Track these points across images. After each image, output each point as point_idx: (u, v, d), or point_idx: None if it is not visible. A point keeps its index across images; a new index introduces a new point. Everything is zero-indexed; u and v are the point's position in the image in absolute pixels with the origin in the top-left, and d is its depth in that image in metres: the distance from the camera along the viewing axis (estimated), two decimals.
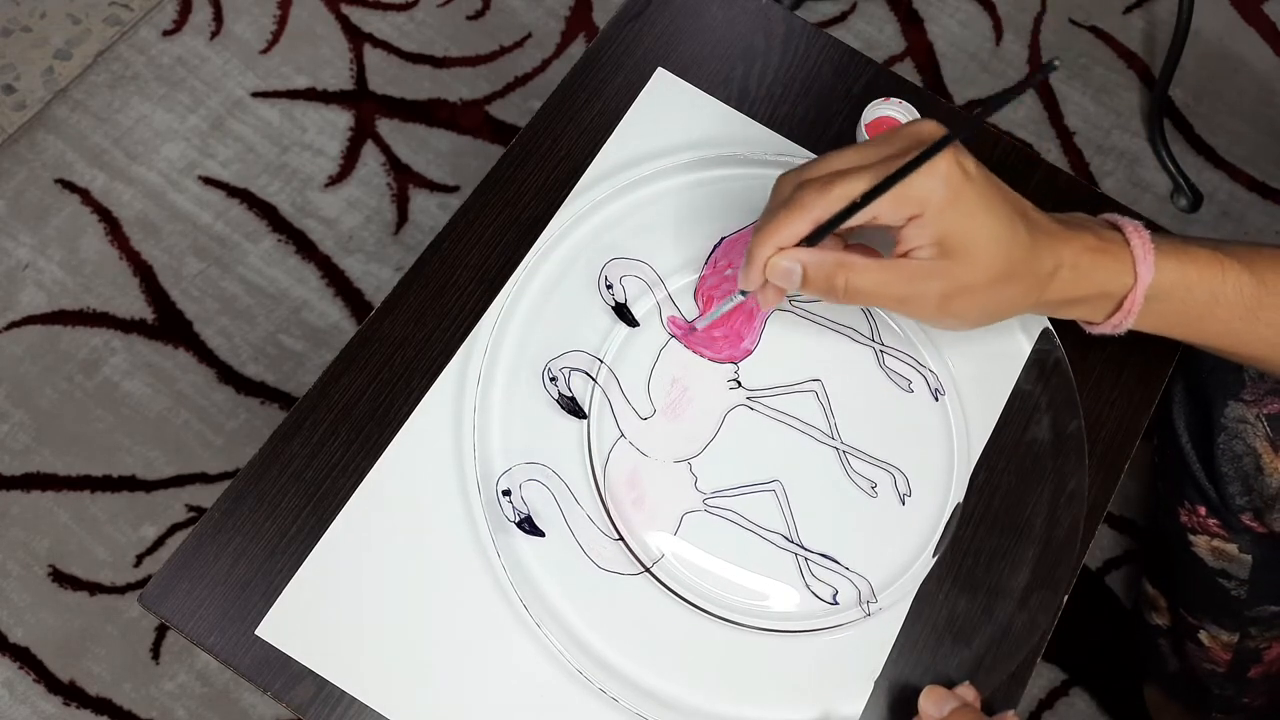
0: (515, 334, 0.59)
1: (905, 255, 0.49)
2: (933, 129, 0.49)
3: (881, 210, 0.48)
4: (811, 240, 0.49)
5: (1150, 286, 0.52)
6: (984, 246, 0.49)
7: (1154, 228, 0.55)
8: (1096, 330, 0.55)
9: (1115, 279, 0.52)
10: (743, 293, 0.54)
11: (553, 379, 0.58)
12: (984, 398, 0.60)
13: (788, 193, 0.50)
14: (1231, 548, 0.77)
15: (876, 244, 0.53)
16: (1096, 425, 0.60)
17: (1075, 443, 0.59)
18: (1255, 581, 0.78)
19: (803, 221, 0.49)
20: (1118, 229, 0.53)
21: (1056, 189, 0.66)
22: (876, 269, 0.49)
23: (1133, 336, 0.62)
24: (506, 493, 0.55)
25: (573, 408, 0.58)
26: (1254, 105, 1.40)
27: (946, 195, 0.47)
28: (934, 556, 0.57)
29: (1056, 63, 0.44)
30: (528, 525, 0.55)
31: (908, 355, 0.60)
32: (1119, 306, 0.53)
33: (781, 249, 0.50)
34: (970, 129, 0.47)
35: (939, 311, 0.50)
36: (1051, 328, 0.60)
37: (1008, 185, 0.51)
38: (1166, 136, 1.35)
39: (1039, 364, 0.60)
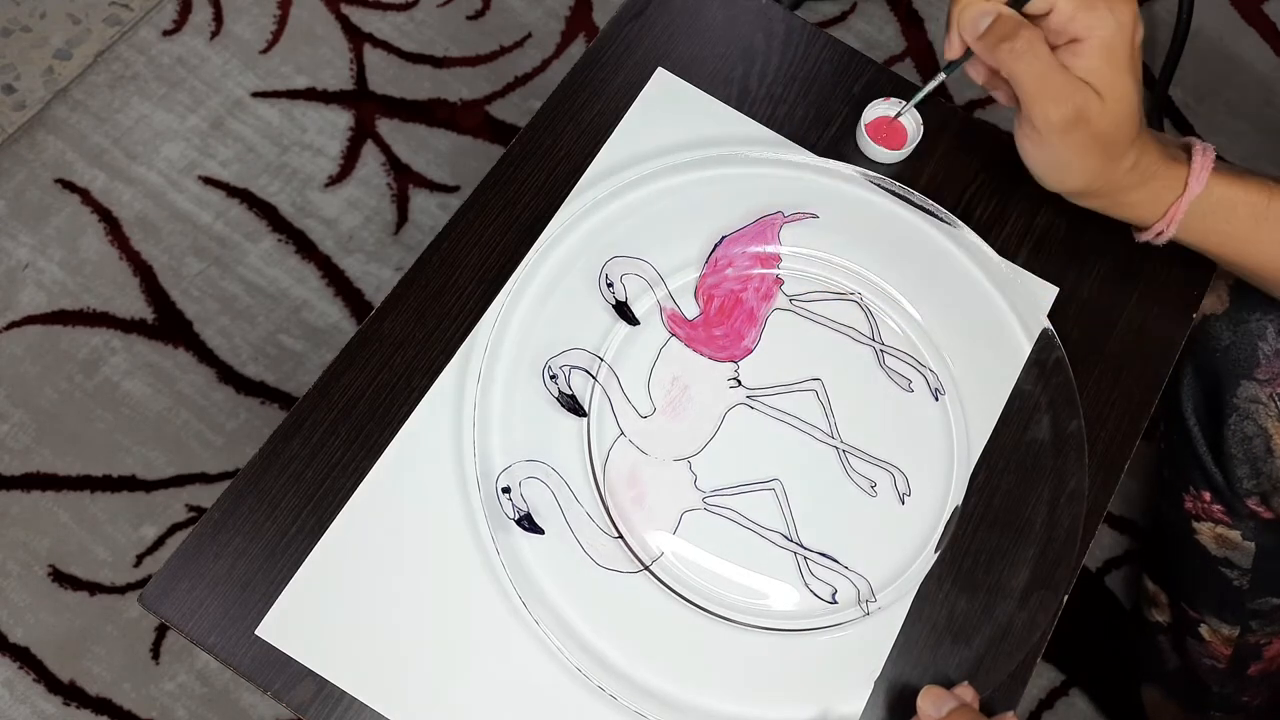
0: (515, 332, 0.59)
1: (1074, 41, 0.51)
2: None
3: (1059, 7, 0.51)
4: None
5: (1197, 199, 0.55)
6: (1119, 105, 0.51)
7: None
8: (1142, 238, 0.59)
9: (1167, 189, 0.55)
10: (946, 69, 0.59)
11: (553, 377, 0.58)
12: (984, 397, 0.60)
13: None
14: (1235, 535, 0.77)
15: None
16: (1097, 425, 0.60)
17: (1075, 442, 0.59)
18: (1258, 570, 0.78)
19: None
20: (1188, 150, 0.56)
21: None
22: (1049, 54, 0.51)
23: (1134, 335, 0.62)
24: (506, 490, 0.56)
25: (573, 406, 0.58)
26: (1254, 105, 1.40)
27: (1111, 38, 0.50)
28: (935, 552, 0.57)
29: None
30: (527, 523, 0.55)
31: (908, 355, 0.60)
32: (1166, 212, 0.56)
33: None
34: None
35: (1060, 134, 0.52)
36: (1051, 328, 0.60)
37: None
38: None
39: (1039, 364, 0.60)
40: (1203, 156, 0.56)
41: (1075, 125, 0.52)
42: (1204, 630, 0.86)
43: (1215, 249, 0.58)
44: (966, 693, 0.53)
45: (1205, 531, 0.78)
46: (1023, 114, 0.54)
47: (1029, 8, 0.52)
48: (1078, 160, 0.54)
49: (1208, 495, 0.76)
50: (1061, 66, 0.52)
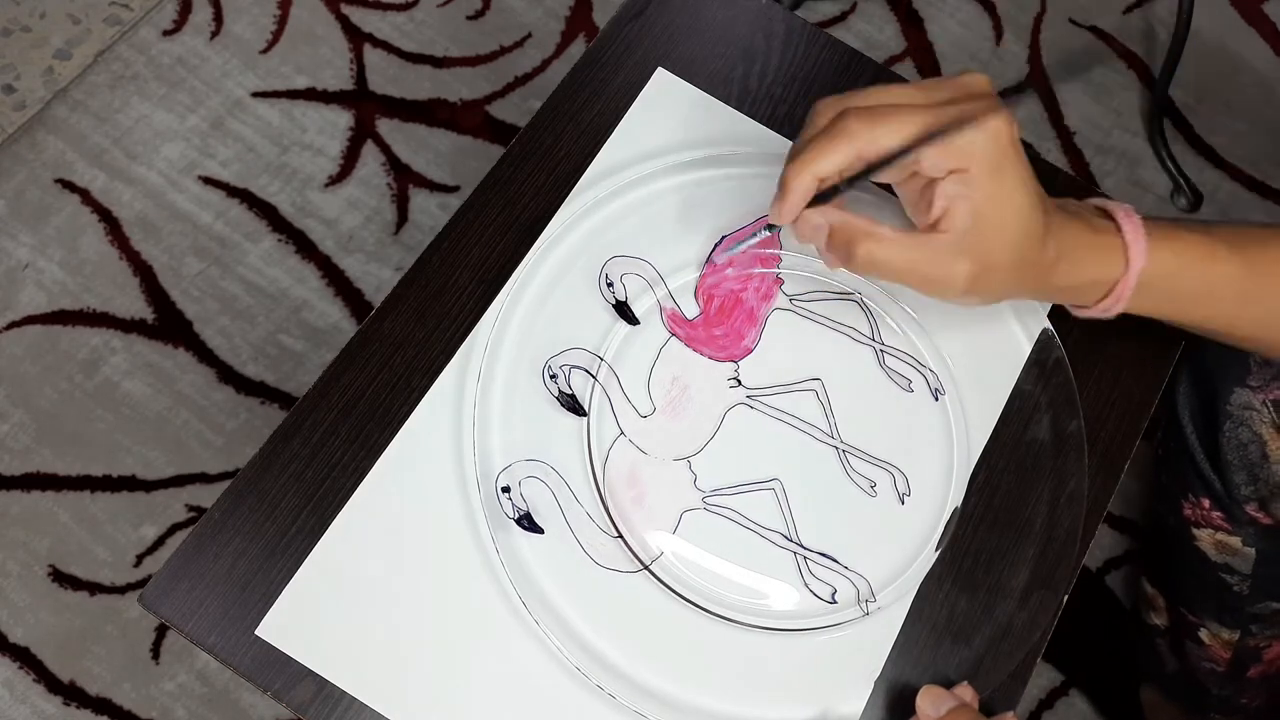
0: (515, 331, 0.59)
1: (935, 223, 0.48)
2: (984, 83, 0.47)
3: (926, 158, 0.46)
4: (851, 182, 0.47)
5: (1141, 274, 0.51)
6: (1016, 223, 0.47)
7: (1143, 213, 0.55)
8: (1085, 314, 0.55)
9: (1106, 268, 0.51)
10: (769, 227, 0.53)
11: (553, 376, 0.58)
12: (984, 397, 0.60)
13: (828, 118, 0.47)
14: (1235, 541, 0.77)
15: (872, 210, 0.53)
16: (1097, 425, 0.60)
17: (1075, 443, 0.59)
18: (1258, 576, 0.78)
19: (845, 151, 0.46)
20: (1110, 215, 0.53)
21: (1056, 189, 0.66)
22: (904, 244, 0.47)
23: (1133, 335, 0.62)
24: (506, 489, 0.56)
25: (572, 405, 0.58)
26: (1254, 105, 1.40)
27: (994, 157, 0.46)
28: (935, 552, 0.57)
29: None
30: (527, 522, 0.55)
31: (908, 355, 0.60)
32: (1109, 292, 0.53)
33: (820, 180, 0.47)
34: (1018, 103, 0.47)
35: (963, 294, 0.49)
36: (1051, 328, 0.60)
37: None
38: (1166, 136, 1.35)
39: (1039, 364, 0.60)
40: (1131, 224, 0.51)
41: (983, 276, 0.48)
42: (1204, 634, 0.86)
43: (1168, 316, 0.55)
44: (966, 692, 0.53)
45: (1205, 538, 0.78)
46: None
47: (893, 170, 0.47)
48: (1008, 287, 0.50)
49: (1207, 502, 0.76)
50: (919, 248, 0.47)
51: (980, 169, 0.46)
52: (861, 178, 0.47)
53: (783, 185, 0.48)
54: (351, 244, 1.26)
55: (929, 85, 0.48)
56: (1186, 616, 0.87)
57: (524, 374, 0.58)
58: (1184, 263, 0.52)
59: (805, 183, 0.47)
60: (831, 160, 0.46)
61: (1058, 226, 0.50)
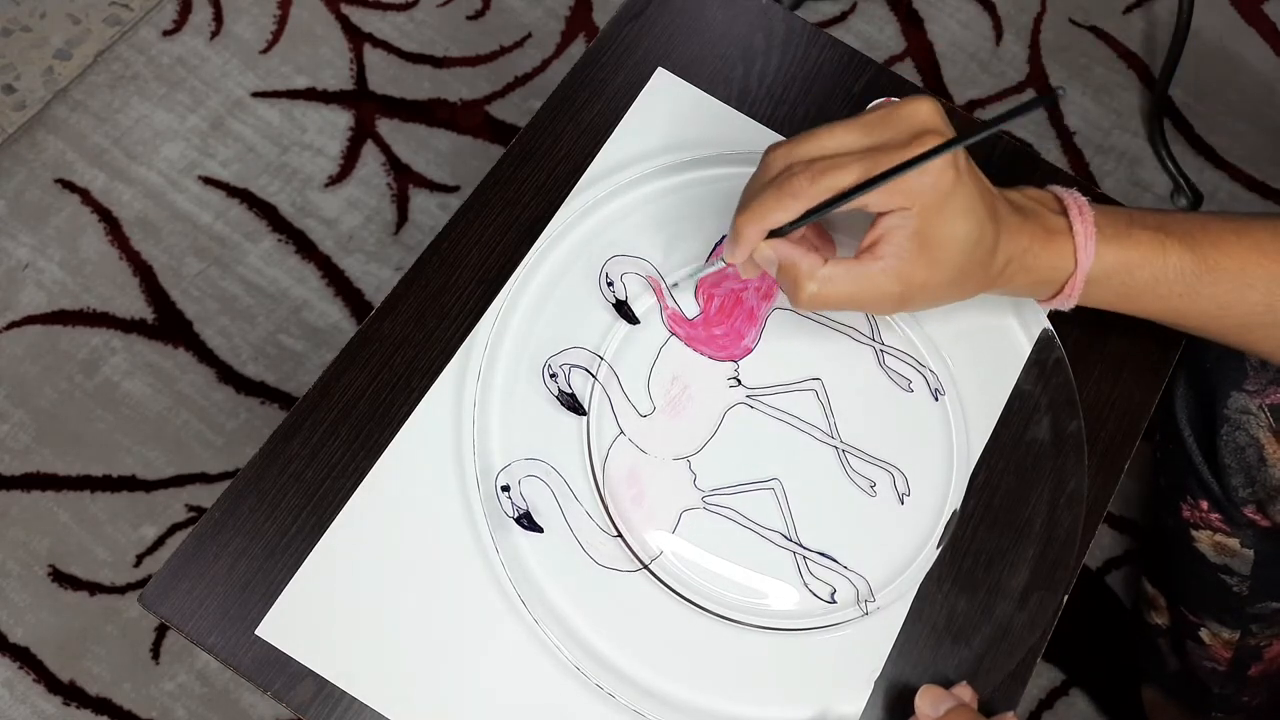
0: (516, 330, 0.59)
1: (873, 245, 0.49)
2: (928, 114, 0.48)
3: (870, 200, 0.48)
4: (796, 224, 0.49)
5: (1091, 271, 0.53)
6: (954, 250, 0.49)
7: (1103, 198, 0.56)
8: (1047, 307, 0.58)
9: (1057, 267, 0.53)
10: (724, 259, 0.54)
11: (553, 375, 0.58)
12: (984, 398, 0.60)
13: (777, 170, 0.50)
14: (1234, 542, 0.77)
15: (841, 225, 0.55)
16: (1096, 425, 0.60)
17: (1075, 443, 0.59)
18: (1257, 577, 0.78)
19: (792, 208, 0.49)
20: (1064, 211, 0.54)
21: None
22: (840, 280, 0.50)
23: (1134, 336, 0.62)
24: (505, 488, 0.56)
25: (572, 404, 0.58)
26: (1254, 105, 1.40)
27: (937, 195, 0.48)
28: (935, 553, 0.57)
29: (1061, 91, 0.44)
30: (526, 521, 0.55)
31: (908, 355, 0.60)
32: (1060, 290, 0.54)
33: (763, 234, 0.50)
34: (974, 140, 0.46)
35: (894, 309, 0.52)
36: (1051, 328, 0.60)
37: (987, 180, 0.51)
38: (1166, 136, 1.35)
39: (1039, 364, 0.60)
40: (1083, 223, 0.52)
41: (913, 295, 0.50)
42: (1204, 634, 0.86)
43: (1122, 309, 0.56)
44: (965, 692, 0.53)
45: (1204, 539, 0.78)
46: None
47: (840, 209, 0.49)
48: (941, 298, 0.52)
49: (1205, 504, 0.76)
50: (857, 275, 0.49)
51: (922, 206, 0.48)
52: (805, 221, 0.49)
53: (735, 234, 0.51)
54: (351, 244, 1.26)
55: (874, 123, 0.49)
56: (1187, 616, 0.87)
57: (524, 373, 0.58)
58: (1135, 259, 0.53)
59: (755, 233, 0.50)
60: (778, 215, 0.49)
61: (1010, 235, 0.51)
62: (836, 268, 0.50)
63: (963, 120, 0.68)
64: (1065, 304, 0.55)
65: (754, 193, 0.50)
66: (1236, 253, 0.53)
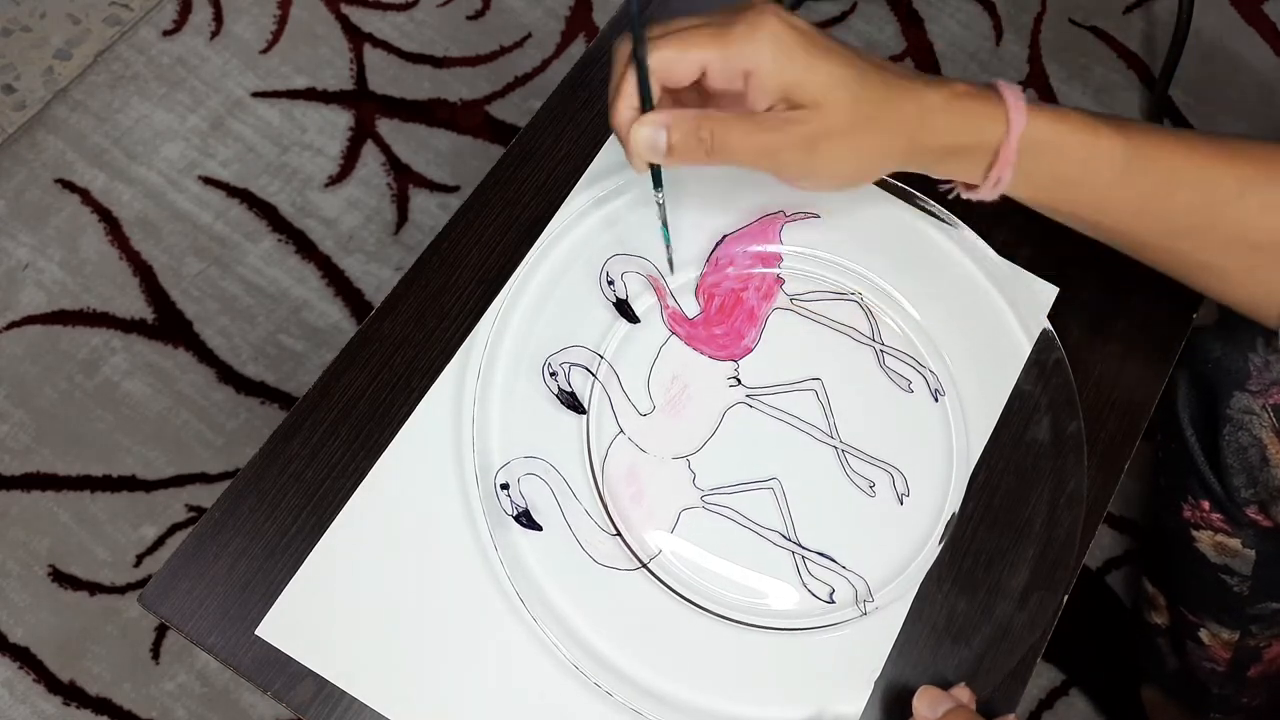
0: (516, 329, 0.59)
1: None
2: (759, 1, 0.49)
3: (710, 63, 0.48)
4: (644, 94, 0.49)
5: (1023, 138, 0.51)
6: (830, 91, 0.48)
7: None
8: (976, 194, 0.55)
9: (989, 125, 0.51)
10: (655, 188, 0.53)
11: (553, 374, 0.58)
12: (984, 398, 0.60)
13: (626, 54, 0.49)
14: (1235, 543, 0.76)
15: None
16: (1096, 426, 0.60)
17: (1075, 443, 0.59)
18: (1258, 578, 0.78)
19: (633, 73, 0.48)
20: (990, 86, 0.53)
21: None
22: (739, 119, 0.49)
23: (1134, 335, 0.62)
24: (505, 486, 0.55)
25: (572, 403, 0.58)
26: (1254, 105, 1.40)
27: (775, 50, 0.47)
28: (934, 554, 0.57)
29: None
30: (525, 519, 0.55)
31: (908, 355, 0.60)
32: (994, 160, 0.52)
33: (634, 108, 0.49)
34: None
35: (809, 160, 0.50)
36: (1051, 328, 0.60)
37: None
38: None
39: (1039, 364, 0.60)
40: (1011, 92, 0.51)
41: (820, 140, 0.49)
42: (1204, 634, 0.86)
43: (1051, 200, 0.54)
44: (963, 693, 0.53)
45: (1205, 539, 0.78)
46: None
47: (683, 71, 0.48)
48: (862, 152, 0.51)
49: (1206, 504, 0.75)
50: (754, 119, 0.49)
51: (768, 65, 0.48)
52: (644, 82, 0.48)
53: (618, 134, 0.50)
54: (351, 244, 1.26)
55: (709, 13, 0.50)
56: (1186, 616, 0.87)
57: (524, 372, 0.58)
58: (1067, 133, 0.52)
59: (627, 116, 0.49)
60: (629, 85, 0.48)
61: (911, 87, 0.50)
62: (732, 113, 0.49)
63: None
64: (997, 185, 0.53)
65: (611, 90, 0.50)
66: (1169, 146, 0.52)
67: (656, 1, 0.68)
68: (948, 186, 0.57)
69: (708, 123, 0.49)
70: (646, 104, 0.49)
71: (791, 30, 0.48)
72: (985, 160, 0.53)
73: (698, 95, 0.51)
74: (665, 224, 0.57)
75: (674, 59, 0.48)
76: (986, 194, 0.54)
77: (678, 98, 0.51)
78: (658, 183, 0.53)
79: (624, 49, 0.50)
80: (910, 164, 0.53)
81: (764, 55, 0.48)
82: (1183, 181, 0.52)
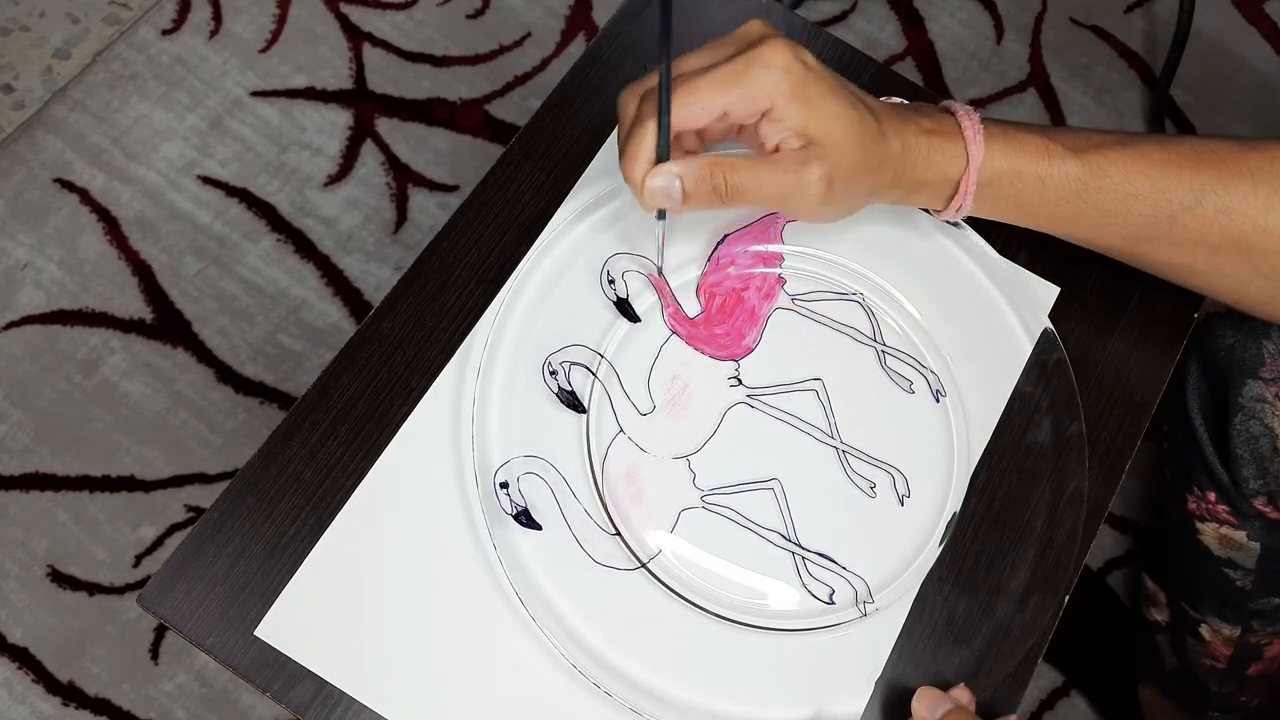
0: (516, 327, 0.58)
1: (776, 150, 0.50)
2: (758, 25, 0.50)
3: (732, 106, 0.49)
4: (662, 144, 0.49)
5: (981, 170, 0.54)
6: (842, 130, 0.50)
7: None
8: (942, 217, 0.57)
9: (950, 161, 0.54)
10: (660, 216, 0.54)
11: (553, 373, 0.58)
12: (985, 398, 0.60)
13: (634, 108, 0.50)
14: (1240, 535, 0.76)
15: None
16: (1097, 426, 0.60)
17: (1076, 444, 0.58)
18: (1261, 571, 0.78)
19: (651, 125, 0.49)
20: (950, 114, 0.55)
21: None
22: (753, 164, 0.50)
23: (1135, 335, 0.62)
24: (504, 485, 0.55)
25: (572, 402, 0.57)
26: (1255, 105, 1.40)
27: (791, 86, 0.48)
28: (934, 555, 0.56)
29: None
30: (524, 518, 0.55)
31: (909, 356, 0.60)
32: (955, 191, 0.55)
33: (650, 162, 0.50)
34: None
35: (824, 200, 0.51)
36: (1052, 328, 0.60)
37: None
38: None
39: (1040, 364, 0.60)
40: (970, 121, 0.54)
41: (836, 180, 0.50)
42: (1204, 630, 0.86)
43: (1014, 218, 0.57)
44: (962, 694, 0.53)
45: (1209, 532, 0.78)
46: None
47: (702, 118, 0.49)
48: (865, 188, 0.52)
49: (1212, 496, 0.75)
50: (769, 162, 0.50)
51: (783, 101, 0.49)
52: (664, 134, 0.49)
53: (630, 183, 0.51)
54: (350, 243, 1.26)
55: (711, 46, 0.51)
56: (1188, 612, 0.87)
57: (524, 370, 0.58)
58: (1022, 161, 0.54)
59: (643, 171, 0.50)
60: (649, 143, 0.49)
61: (894, 123, 0.52)
62: (745, 156, 0.50)
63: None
64: (960, 208, 0.56)
65: (623, 139, 0.51)
66: (1120, 160, 0.54)
67: (647, 13, 0.68)
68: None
69: (720, 169, 0.50)
70: (663, 154, 0.50)
71: (802, 66, 0.49)
72: (947, 192, 0.55)
73: (694, 133, 0.52)
74: (661, 249, 0.58)
75: (698, 112, 0.49)
76: (948, 217, 0.57)
77: (676, 138, 0.52)
78: (661, 216, 0.54)
79: (631, 104, 0.51)
80: (888, 198, 0.55)
81: (781, 92, 0.49)
82: (1138, 195, 0.54)
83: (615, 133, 0.63)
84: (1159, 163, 0.54)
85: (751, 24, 0.51)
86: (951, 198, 0.55)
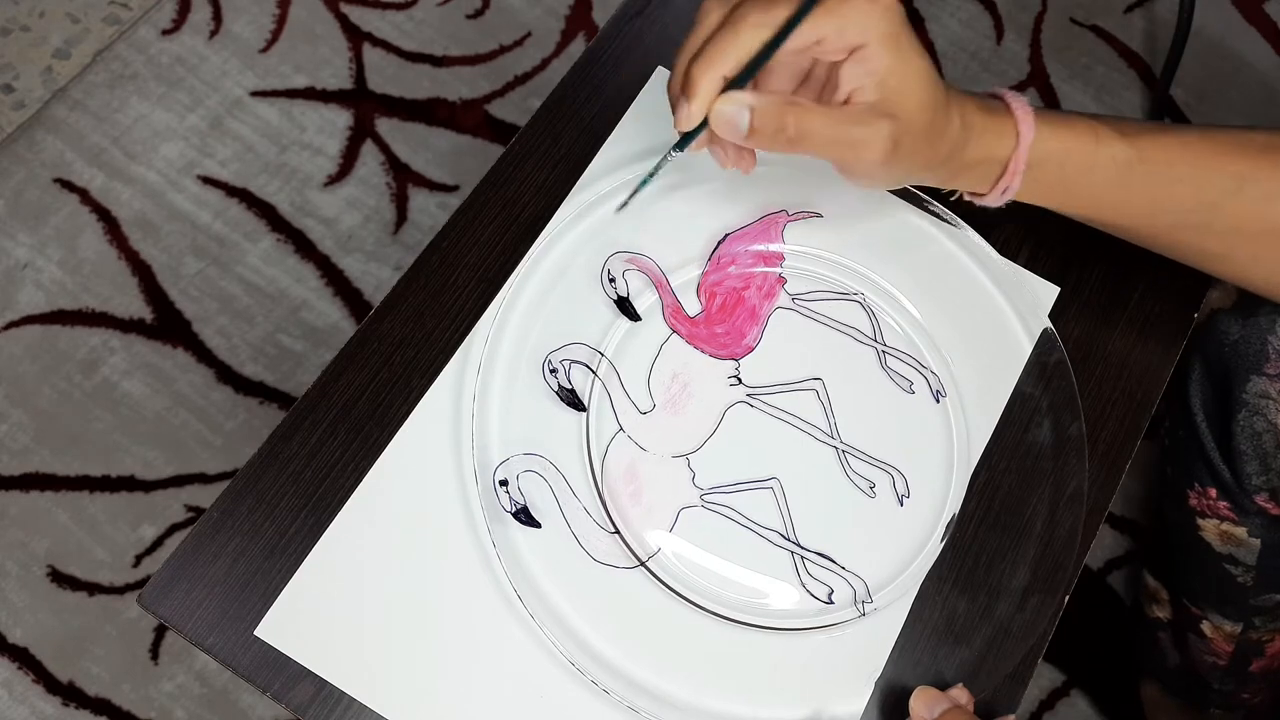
0: (516, 326, 0.58)
1: (846, 101, 0.48)
2: None
3: (826, 35, 0.46)
4: (750, 70, 0.46)
5: (1030, 150, 0.53)
6: (921, 90, 0.48)
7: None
8: (982, 201, 0.56)
9: (1000, 141, 0.53)
10: (678, 147, 0.49)
11: (553, 371, 0.58)
12: (985, 399, 0.60)
13: (718, 16, 0.47)
14: (1240, 531, 0.76)
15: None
16: (1097, 426, 0.60)
17: (1076, 444, 0.58)
18: (1262, 568, 0.77)
19: (749, 41, 0.46)
20: (998, 98, 0.54)
21: None
22: (827, 110, 0.47)
23: (1135, 335, 0.62)
24: (504, 483, 0.55)
25: (572, 400, 0.57)
26: (1255, 105, 1.40)
27: (889, 29, 0.47)
28: (934, 555, 0.56)
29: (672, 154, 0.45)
30: (524, 516, 0.55)
31: (909, 356, 0.60)
32: (1004, 171, 0.54)
33: (725, 78, 0.47)
34: None
35: (885, 161, 0.49)
36: (1052, 328, 0.60)
37: None
38: None
39: (1040, 364, 0.60)
40: (1020, 104, 0.53)
41: (901, 140, 0.48)
42: (1206, 627, 0.86)
43: (1056, 203, 0.56)
44: (961, 694, 0.53)
45: (1210, 528, 0.78)
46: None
47: (796, 43, 0.46)
48: (921, 157, 0.51)
49: (1214, 492, 0.75)
50: (841, 111, 0.48)
51: (877, 41, 0.47)
52: (762, 61, 0.46)
53: (691, 89, 0.47)
54: (350, 243, 1.26)
55: None
56: (1189, 609, 0.87)
57: (524, 368, 0.58)
58: (1071, 142, 0.53)
59: (713, 82, 0.47)
60: (735, 54, 0.46)
61: (955, 100, 0.51)
62: (819, 105, 0.47)
63: None
64: (1005, 191, 0.54)
65: (694, 45, 0.47)
66: (1166, 146, 0.54)
67: (656, 0, 0.68)
68: (950, 189, 0.57)
69: (794, 111, 0.47)
70: (743, 79, 0.46)
71: (901, 12, 0.47)
72: (994, 173, 0.54)
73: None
74: (653, 175, 0.52)
75: (788, 17, 0.45)
76: (993, 201, 0.55)
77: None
78: (682, 146, 0.50)
79: (715, 11, 0.47)
80: (935, 176, 0.53)
81: (879, 32, 0.46)
82: (1182, 181, 0.54)
83: (615, 134, 0.63)
84: (1202, 150, 0.54)
85: None
86: (998, 180, 0.54)
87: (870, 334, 0.61)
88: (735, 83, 0.47)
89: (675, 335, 0.59)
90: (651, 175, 0.52)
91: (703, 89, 0.46)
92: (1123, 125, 0.54)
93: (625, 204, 0.54)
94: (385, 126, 1.32)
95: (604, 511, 0.56)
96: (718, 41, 0.46)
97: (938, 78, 0.49)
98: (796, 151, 0.48)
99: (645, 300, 0.60)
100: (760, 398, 0.59)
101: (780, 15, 0.46)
